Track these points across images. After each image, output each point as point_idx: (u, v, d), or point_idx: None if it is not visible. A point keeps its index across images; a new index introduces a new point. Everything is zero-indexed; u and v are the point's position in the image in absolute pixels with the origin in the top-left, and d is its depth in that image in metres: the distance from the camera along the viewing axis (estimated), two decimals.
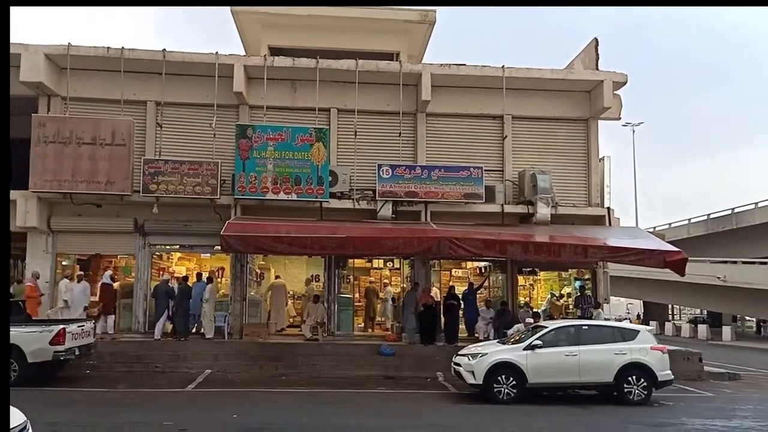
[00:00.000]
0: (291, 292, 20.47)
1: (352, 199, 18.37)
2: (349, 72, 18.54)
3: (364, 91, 18.62)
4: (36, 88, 17.65)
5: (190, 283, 17.81)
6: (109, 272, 17.85)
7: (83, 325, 14.52)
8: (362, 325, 20.29)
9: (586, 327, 13.71)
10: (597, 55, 19.58)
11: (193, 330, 17.73)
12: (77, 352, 13.95)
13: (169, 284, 17.66)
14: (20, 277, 18.88)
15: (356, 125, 18.48)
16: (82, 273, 17.77)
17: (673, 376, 13.36)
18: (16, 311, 14.70)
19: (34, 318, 15.73)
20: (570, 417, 11.91)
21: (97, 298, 17.80)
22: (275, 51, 20.98)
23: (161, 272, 19.33)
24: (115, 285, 19.02)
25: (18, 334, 13.31)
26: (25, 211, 17.26)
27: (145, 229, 18.21)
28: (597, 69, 19.44)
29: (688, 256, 16.85)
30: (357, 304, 20.31)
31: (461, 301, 18.80)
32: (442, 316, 18.13)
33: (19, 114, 17.25)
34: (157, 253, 19.25)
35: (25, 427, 6.73)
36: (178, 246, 19.44)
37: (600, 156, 19.77)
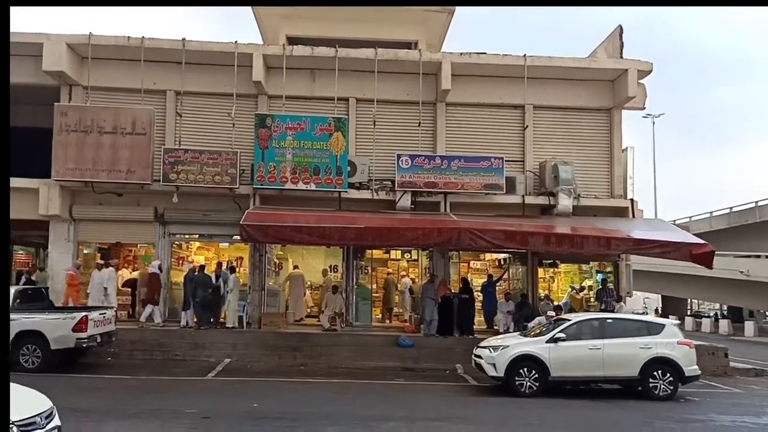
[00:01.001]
0: (309, 283, 20.43)
1: (371, 190, 18.26)
2: (368, 61, 18.38)
3: (383, 80, 18.46)
4: (58, 77, 17.71)
5: (208, 272, 17.80)
6: (157, 262, 17.76)
7: (105, 313, 14.58)
8: (380, 316, 20.23)
9: (611, 320, 13.52)
10: (621, 42, 19.24)
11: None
12: (99, 340, 14.07)
13: (195, 273, 17.60)
14: (42, 264, 19.03)
15: (375, 115, 18.36)
16: (102, 262, 17.80)
17: (699, 372, 13.13)
18: (39, 298, 14.86)
19: (74, 306, 15.81)
20: (594, 411, 11.77)
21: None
22: (293, 41, 20.88)
23: (181, 261, 19.38)
24: (134, 274, 19.16)
25: (41, 320, 13.49)
26: (47, 200, 17.36)
27: (165, 218, 18.22)
28: (621, 57, 19.11)
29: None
30: (375, 295, 20.24)
31: (474, 294, 18.73)
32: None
33: (41, 103, 17.48)
34: (177, 243, 19.27)
35: (52, 412, 6.77)
36: (197, 235, 19.45)
37: (623, 146, 19.50)
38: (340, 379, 14.27)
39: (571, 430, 10.29)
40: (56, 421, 6.77)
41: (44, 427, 6.44)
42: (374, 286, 20.44)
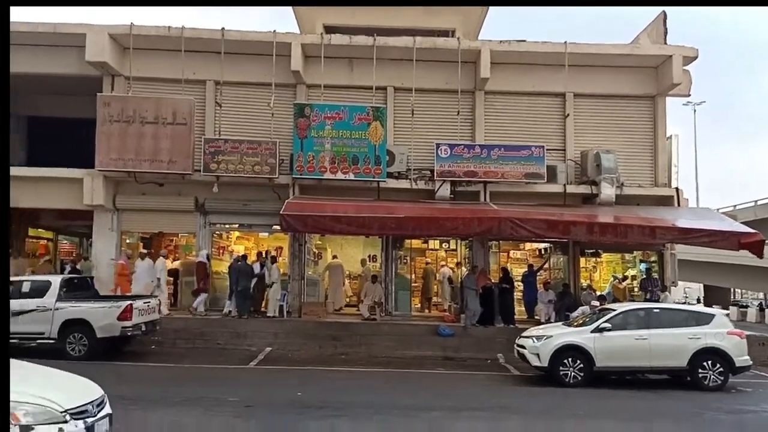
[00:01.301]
0: (347, 272, 20.42)
1: (410, 179, 18.14)
2: (406, 49, 18.19)
3: (421, 68, 18.26)
4: (101, 68, 17.86)
5: (249, 262, 17.92)
6: (204, 251, 17.91)
7: (149, 302, 14.77)
8: (419, 305, 20.15)
9: (657, 310, 13.26)
10: (665, 28, 18.78)
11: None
12: (143, 328, 14.23)
13: (238, 262, 17.71)
14: (86, 254, 19.31)
15: (413, 104, 18.20)
16: (145, 251, 18.03)
17: (751, 362, 12.81)
18: (84, 287, 15.10)
19: (126, 295, 16.05)
20: (641, 401, 11.56)
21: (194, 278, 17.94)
22: (330, 30, 20.80)
23: (221, 251, 19.54)
24: (175, 264, 19.34)
25: (88, 309, 13.69)
26: (91, 190, 17.58)
27: (205, 208, 18.33)
28: (665, 43, 18.64)
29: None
30: (413, 285, 20.17)
31: (514, 284, 18.67)
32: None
33: (84, 94, 17.74)
34: (217, 232, 19.42)
35: (103, 400, 6.84)
36: (237, 225, 19.58)
37: (668, 134, 19.05)
38: (380, 368, 14.27)
39: (618, 421, 10.07)
40: (107, 409, 6.83)
41: (96, 415, 6.51)
42: (413, 276, 20.36)
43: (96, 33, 17.41)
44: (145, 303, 14.47)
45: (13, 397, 6.01)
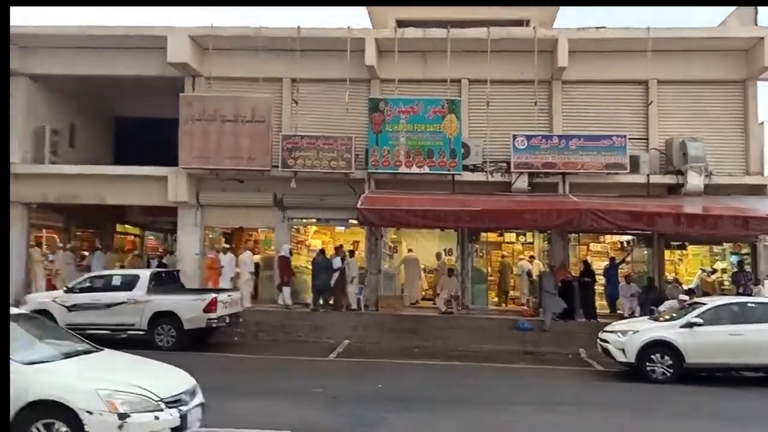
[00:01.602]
0: (423, 266, 20.38)
1: (486, 172, 17.89)
2: (480, 41, 17.90)
3: (495, 59, 17.92)
4: (182, 69, 18.38)
5: (326, 256, 18.12)
6: (287, 246, 18.19)
7: (232, 294, 15.15)
8: (496, 299, 19.93)
9: (753, 305, 12.64)
10: (756, 9, 17.84)
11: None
12: (227, 320, 14.62)
13: (318, 257, 17.92)
14: (171, 248, 19.96)
15: (488, 95, 17.93)
16: (227, 246, 18.50)
17: None
18: (171, 280, 15.64)
19: (215, 288, 16.62)
20: (738, 400, 11.09)
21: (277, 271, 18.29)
22: (403, 24, 20.71)
23: (299, 245, 19.83)
24: (256, 258, 19.76)
25: (175, 302, 14.15)
26: (175, 187, 18.13)
27: (283, 203, 18.60)
28: (756, 25, 17.72)
29: None
30: (490, 278, 19.95)
31: (596, 278, 18.22)
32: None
33: (165, 94, 18.34)
34: (295, 227, 19.73)
35: (195, 390, 7.07)
36: (314, 219, 19.82)
37: (760, 120, 18.11)
38: (458, 361, 14.17)
39: (720, 420, 9.58)
40: (200, 398, 7.05)
41: (189, 404, 6.74)
42: (489, 269, 20.14)
43: (177, 35, 17.88)
44: (228, 296, 14.88)
45: (110, 386, 6.30)
